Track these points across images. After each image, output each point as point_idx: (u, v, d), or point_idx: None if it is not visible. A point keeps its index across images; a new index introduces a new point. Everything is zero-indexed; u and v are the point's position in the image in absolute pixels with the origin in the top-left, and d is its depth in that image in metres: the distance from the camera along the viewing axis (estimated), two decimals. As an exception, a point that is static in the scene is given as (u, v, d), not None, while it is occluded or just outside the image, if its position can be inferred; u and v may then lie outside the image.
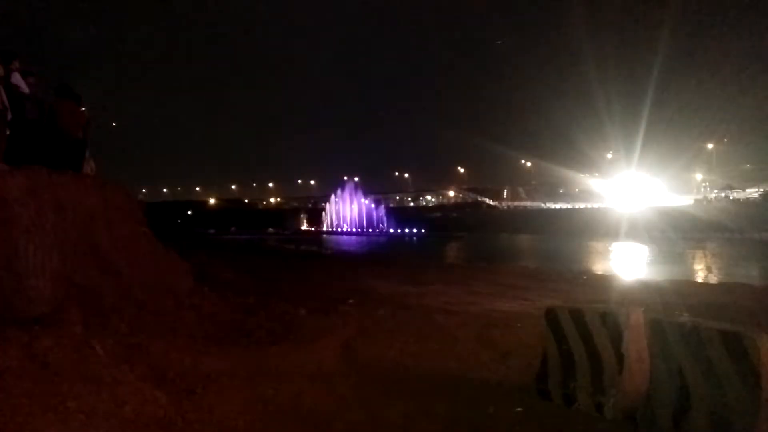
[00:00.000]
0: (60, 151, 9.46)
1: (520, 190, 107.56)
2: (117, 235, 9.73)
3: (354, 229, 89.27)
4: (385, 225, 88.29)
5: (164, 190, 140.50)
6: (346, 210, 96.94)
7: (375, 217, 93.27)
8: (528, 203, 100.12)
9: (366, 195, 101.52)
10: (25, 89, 9.00)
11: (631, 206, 70.45)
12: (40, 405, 4.59)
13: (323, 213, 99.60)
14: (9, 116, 8.35)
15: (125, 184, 11.57)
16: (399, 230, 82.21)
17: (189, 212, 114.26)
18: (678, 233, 47.73)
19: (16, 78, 8.81)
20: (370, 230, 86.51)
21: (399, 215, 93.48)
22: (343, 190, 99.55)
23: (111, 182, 10.61)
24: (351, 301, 11.79)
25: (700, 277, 22.49)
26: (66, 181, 8.40)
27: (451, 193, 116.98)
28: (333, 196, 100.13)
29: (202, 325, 8.89)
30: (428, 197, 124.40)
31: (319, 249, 45.51)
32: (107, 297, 8.23)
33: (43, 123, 9.54)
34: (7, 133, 8.39)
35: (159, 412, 4.97)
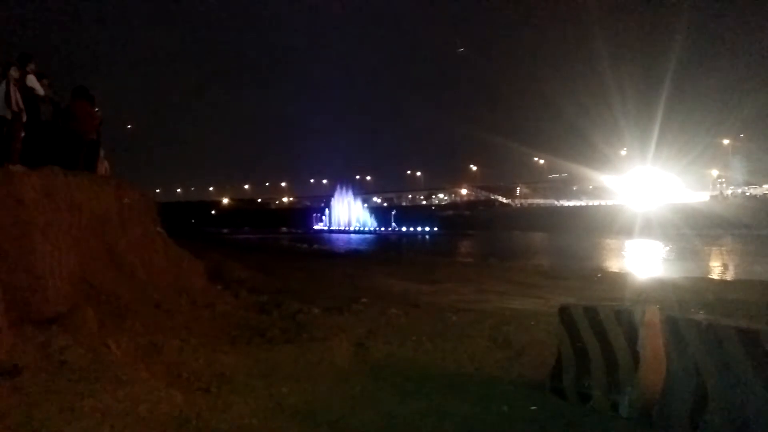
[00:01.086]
0: (75, 151, 9.56)
1: (525, 188, 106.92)
2: (132, 235, 9.83)
3: (367, 228, 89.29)
4: (398, 224, 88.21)
5: (178, 190, 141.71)
6: (352, 209, 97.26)
7: (384, 216, 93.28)
8: (541, 201, 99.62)
9: (361, 194, 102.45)
10: (40, 91, 9.09)
11: (646, 203, 69.77)
12: (57, 403, 4.63)
13: (331, 212, 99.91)
14: (24, 118, 8.45)
15: (139, 185, 11.67)
16: (412, 228, 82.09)
17: (213, 212, 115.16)
18: (693, 230, 47.18)
19: (31, 80, 8.90)
20: (382, 229, 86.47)
21: (412, 213, 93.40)
22: (349, 190, 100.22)
23: (125, 183, 10.71)
24: (364, 299, 11.80)
25: (716, 275, 22.22)
26: (81, 181, 8.49)
27: (464, 191, 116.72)
28: (336, 196, 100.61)
29: (216, 323, 8.95)
30: (441, 195, 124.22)
31: (331, 248, 45.60)
32: (122, 296, 8.31)
33: (58, 124, 9.65)
34: (23, 134, 8.48)
35: (174, 410, 5.00)
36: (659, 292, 13.21)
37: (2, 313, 5.54)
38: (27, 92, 8.74)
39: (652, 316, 5.17)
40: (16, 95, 8.26)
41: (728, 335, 4.30)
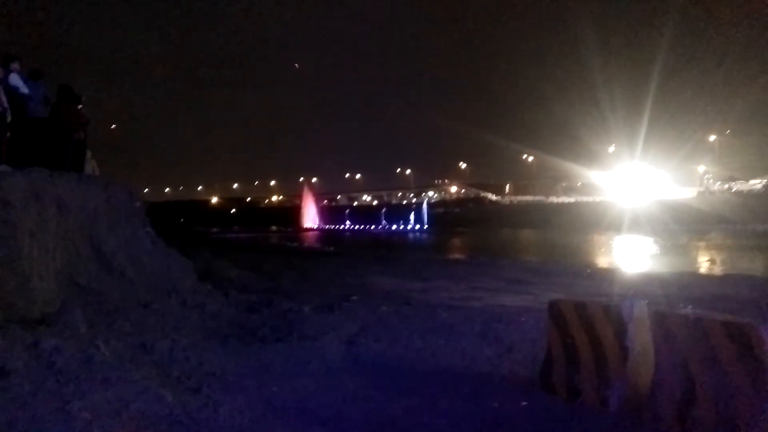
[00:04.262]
0: (62, 151, 9.49)
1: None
2: (120, 235, 9.77)
3: (356, 226, 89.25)
4: (388, 221, 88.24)
5: (167, 189, 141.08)
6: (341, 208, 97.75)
7: (374, 214, 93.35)
8: (530, 198, 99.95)
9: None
10: (25, 90, 9.01)
11: (634, 199, 70.23)
12: (46, 405, 4.61)
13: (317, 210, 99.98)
14: (9, 118, 8.38)
15: (127, 184, 11.59)
16: (402, 226, 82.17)
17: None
18: (681, 225, 47.57)
19: (14, 79, 8.82)
20: (372, 227, 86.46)
21: (402, 211, 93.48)
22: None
23: (113, 182, 10.64)
24: (354, 297, 11.80)
25: (703, 270, 22.43)
26: (68, 181, 8.42)
27: (454, 189, 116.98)
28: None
29: (206, 323, 8.92)
30: (431, 193, 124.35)
31: (321, 246, 45.53)
32: (111, 297, 8.26)
33: (48, 123, 9.58)
34: (8, 135, 8.41)
35: (164, 410, 4.98)
36: (647, 287, 13.32)
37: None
38: (11, 92, 8.66)
39: (640, 311, 5.20)
40: (1, 95, 8.19)
41: (715, 329, 4.35)
